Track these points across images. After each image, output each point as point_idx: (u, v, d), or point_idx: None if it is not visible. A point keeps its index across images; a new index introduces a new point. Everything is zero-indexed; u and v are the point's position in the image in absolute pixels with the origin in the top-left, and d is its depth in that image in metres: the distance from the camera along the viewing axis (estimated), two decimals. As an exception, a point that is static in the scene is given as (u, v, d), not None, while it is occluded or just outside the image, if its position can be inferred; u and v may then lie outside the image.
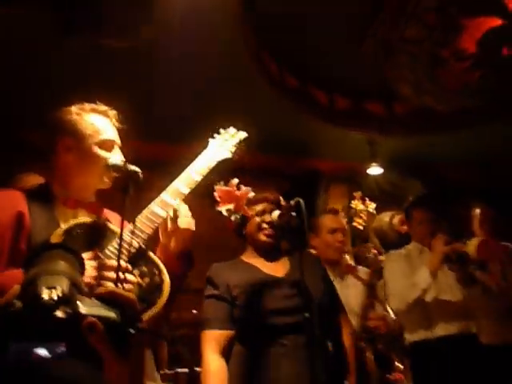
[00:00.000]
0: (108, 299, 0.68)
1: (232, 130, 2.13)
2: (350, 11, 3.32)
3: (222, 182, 2.24)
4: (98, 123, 1.81)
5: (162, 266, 1.68)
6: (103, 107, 1.86)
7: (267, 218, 2.28)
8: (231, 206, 2.26)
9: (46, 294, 0.63)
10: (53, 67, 3.14)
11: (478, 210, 3.42)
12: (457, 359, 2.78)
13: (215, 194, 2.24)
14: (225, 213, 2.28)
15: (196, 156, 1.93)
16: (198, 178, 1.87)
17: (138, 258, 1.63)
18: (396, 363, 2.68)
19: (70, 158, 1.77)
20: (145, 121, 2.15)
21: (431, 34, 3.08)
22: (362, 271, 3.14)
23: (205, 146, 1.99)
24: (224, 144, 2.06)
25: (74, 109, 1.82)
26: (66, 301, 0.63)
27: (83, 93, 1.86)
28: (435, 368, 2.80)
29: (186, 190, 1.81)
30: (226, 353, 2.04)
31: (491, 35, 3.11)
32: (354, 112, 4.16)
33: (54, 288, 0.64)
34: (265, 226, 2.27)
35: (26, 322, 0.62)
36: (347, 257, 3.39)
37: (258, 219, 2.29)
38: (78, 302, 0.65)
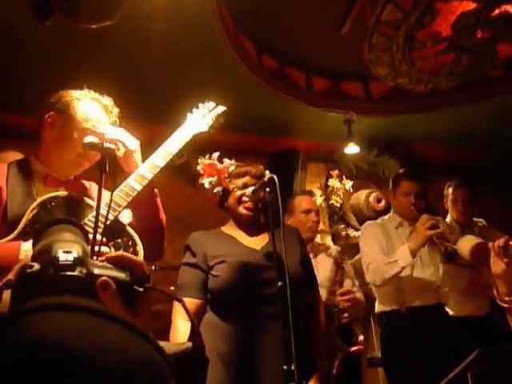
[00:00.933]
0: (116, 262, 0.71)
1: (211, 104, 2.13)
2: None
3: (206, 157, 2.28)
4: (92, 113, 1.81)
5: (137, 238, 1.73)
6: (107, 101, 1.87)
7: (247, 191, 2.29)
8: (213, 179, 2.30)
9: (63, 256, 0.66)
10: (28, 51, 3.08)
11: (450, 189, 3.47)
12: (425, 329, 2.87)
13: (198, 167, 2.28)
14: (207, 185, 2.32)
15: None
16: (174, 151, 1.89)
17: (113, 231, 1.66)
18: (358, 336, 2.79)
19: (51, 135, 1.78)
20: (125, 102, 2.15)
21: (407, 18, 3.11)
22: (333, 249, 3.23)
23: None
24: (201, 118, 2.07)
25: (76, 93, 1.83)
26: (81, 262, 0.66)
27: (60, 76, 1.84)
28: (404, 337, 2.91)
29: (162, 163, 1.83)
30: (196, 319, 2.07)
31: (465, 19, 3.15)
32: (332, 92, 4.19)
33: (70, 252, 0.67)
34: (245, 199, 2.28)
35: (44, 283, 0.64)
36: (327, 238, 3.48)
37: (238, 192, 2.30)
38: (90, 264, 0.68)
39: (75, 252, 0.67)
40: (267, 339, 2.00)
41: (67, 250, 0.67)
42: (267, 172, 2.39)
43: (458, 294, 3.15)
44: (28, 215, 1.60)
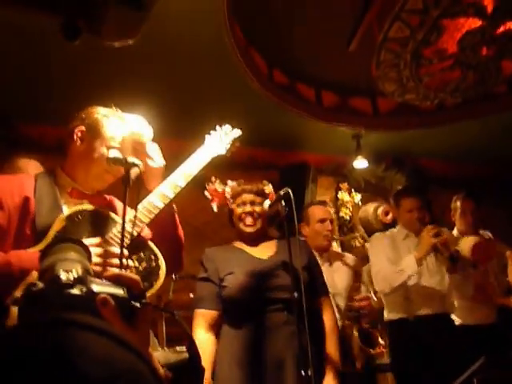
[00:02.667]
0: (115, 280, 0.74)
1: (227, 127, 2.19)
2: (339, 11, 3.39)
3: (213, 180, 2.39)
4: (117, 132, 1.83)
5: (158, 252, 1.75)
6: (132, 119, 1.89)
7: (247, 208, 2.38)
8: (217, 203, 2.43)
9: (64, 276, 0.69)
10: (52, 66, 3.17)
11: (458, 202, 3.52)
12: (432, 337, 2.88)
13: (206, 193, 2.42)
14: (215, 209, 2.44)
15: (191, 151, 2.00)
16: (194, 172, 1.93)
17: (136, 245, 1.69)
18: (379, 339, 2.81)
19: (79, 149, 1.79)
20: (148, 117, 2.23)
21: (414, 35, 3.16)
22: (348, 257, 3.26)
23: (201, 142, 2.07)
24: (219, 141, 2.12)
25: (105, 110, 1.85)
26: (81, 281, 0.70)
27: (84, 90, 1.88)
28: (411, 345, 2.92)
29: (183, 183, 1.86)
30: (214, 330, 2.19)
31: (471, 36, 3.20)
32: (341, 108, 4.25)
33: (71, 271, 0.71)
34: (243, 216, 2.37)
35: (47, 301, 0.67)
36: (335, 244, 3.50)
37: (239, 210, 2.39)
38: (90, 282, 0.71)
39: (75, 271, 0.71)
40: (279, 344, 2.05)
41: (68, 269, 0.71)
42: (269, 185, 2.50)
43: (465, 303, 3.15)
44: (57, 226, 1.61)
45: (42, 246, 1.58)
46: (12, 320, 0.69)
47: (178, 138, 4.16)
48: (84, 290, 0.69)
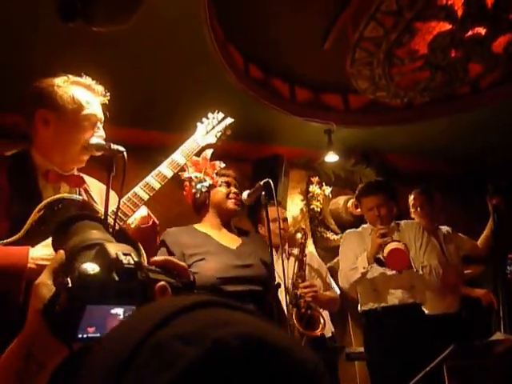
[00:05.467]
0: (163, 266, 0.71)
1: (220, 115, 2.11)
2: (314, 10, 3.40)
3: (204, 155, 2.33)
4: (81, 97, 1.65)
5: (140, 247, 1.65)
6: (89, 80, 1.72)
7: (234, 189, 2.39)
8: (200, 175, 2.35)
9: (125, 260, 0.64)
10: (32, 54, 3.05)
11: (411, 196, 3.66)
12: (400, 326, 2.97)
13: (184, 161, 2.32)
14: (193, 178, 2.36)
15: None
16: (183, 162, 1.86)
17: (117, 239, 1.67)
18: (320, 319, 2.90)
19: (47, 132, 1.64)
20: (123, 107, 2.17)
21: (388, 35, 3.21)
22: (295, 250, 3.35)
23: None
24: (210, 129, 2.04)
25: (56, 80, 1.66)
26: (140, 266, 0.66)
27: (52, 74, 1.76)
28: (381, 334, 3.01)
29: (170, 173, 1.79)
30: None
31: (441, 38, 3.27)
32: (313, 103, 4.27)
33: (129, 254, 0.66)
34: (232, 195, 2.38)
35: (103, 286, 0.62)
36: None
37: (224, 190, 2.37)
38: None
39: (134, 255, 0.66)
40: None
41: (126, 253, 0.66)
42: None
43: (432, 293, 3.26)
44: (34, 216, 1.50)
45: (18, 236, 1.48)
46: (62, 305, 0.64)
47: (150, 129, 4.11)
48: (143, 275, 0.65)
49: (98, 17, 1.36)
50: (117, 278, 0.63)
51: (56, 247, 0.78)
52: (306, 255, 3.20)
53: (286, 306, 2.69)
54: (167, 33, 3.12)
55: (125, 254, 0.66)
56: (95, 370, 0.39)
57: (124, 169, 1.54)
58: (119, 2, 1.47)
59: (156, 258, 0.74)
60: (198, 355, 0.36)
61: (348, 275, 3.08)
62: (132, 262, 0.65)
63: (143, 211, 1.78)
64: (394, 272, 3.00)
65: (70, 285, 0.63)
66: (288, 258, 3.21)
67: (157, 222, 1.81)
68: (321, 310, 2.97)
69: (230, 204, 2.37)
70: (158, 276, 0.68)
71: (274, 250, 2.99)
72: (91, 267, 0.63)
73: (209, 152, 2.32)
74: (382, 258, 2.93)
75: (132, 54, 3.26)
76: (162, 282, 0.65)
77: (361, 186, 3.37)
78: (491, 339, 2.58)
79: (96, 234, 0.75)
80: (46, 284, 0.68)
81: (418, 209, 3.59)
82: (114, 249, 0.67)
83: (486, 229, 3.58)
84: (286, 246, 3.34)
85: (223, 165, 2.44)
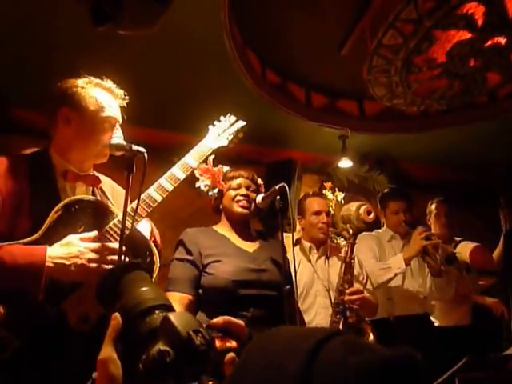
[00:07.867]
0: (223, 328, 0.69)
1: (232, 118, 2.11)
2: (333, 17, 3.36)
3: (209, 160, 2.30)
4: (102, 99, 1.70)
5: (153, 247, 1.69)
6: (109, 83, 1.77)
7: (242, 191, 2.33)
8: (209, 182, 2.33)
9: (197, 340, 0.62)
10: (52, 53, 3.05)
11: (433, 205, 3.56)
12: (412, 337, 2.90)
13: (196, 172, 2.30)
14: (203, 188, 2.34)
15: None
16: (195, 165, 1.87)
17: (131, 240, 1.62)
18: (369, 334, 2.70)
19: (68, 131, 1.67)
20: (142, 107, 2.15)
21: (407, 43, 3.15)
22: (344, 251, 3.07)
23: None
24: (222, 132, 2.04)
25: (79, 82, 1.70)
26: (212, 344, 0.63)
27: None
28: (391, 345, 2.93)
29: (183, 176, 1.80)
30: None
31: (460, 47, 3.21)
32: (329, 109, 4.23)
33: (199, 331, 0.63)
34: (239, 198, 2.31)
35: (180, 368, 0.61)
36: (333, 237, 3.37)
37: (233, 192, 2.33)
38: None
39: (204, 332, 0.63)
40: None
41: (196, 329, 0.62)
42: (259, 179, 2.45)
43: (444, 305, 3.19)
44: (52, 217, 1.52)
45: (36, 236, 1.49)
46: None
47: (167, 130, 4.10)
48: (213, 353, 0.63)
49: (125, 20, 1.33)
50: (191, 364, 0.61)
51: (104, 303, 0.77)
52: (354, 257, 2.83)
53: (331, 313, 2.57)
54: (187, 37, 3.11)
55: (194, 332, 0.62)
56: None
57: (144, 169, 1.54)
58: (146, 6, 1.44)
59: (215, 321, 0.72)
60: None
61: (376, 275, 2.90)
62: (203, 341, 0.62)
63: (147, 226, 1.76)
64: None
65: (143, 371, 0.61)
66: (327, 258, 2.92)
67: (159, 241, 1.81)
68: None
69: (237, 207, 2.33)
70: (222, 345, 0.66)
71: (314, 247, 2.90)
72: (166, 354, 0.60)
73: (210, 158, 2.31)
74: (452, 256, 2.80)
75: (152, 58, 3.26)
76: (232, 354, 0.65)
77: (387, 190, 3.31)
78: (506, 353, 2.51)
79: (148, 293, 0.72)
80: (112, 360, 0.66)
81: (442, 218, 3.45)
82: (181, 324, 0.63)
83: (499, 244, 3.45)
84: (328, 242, 3.04)
85: (226, 168, 2.41)
